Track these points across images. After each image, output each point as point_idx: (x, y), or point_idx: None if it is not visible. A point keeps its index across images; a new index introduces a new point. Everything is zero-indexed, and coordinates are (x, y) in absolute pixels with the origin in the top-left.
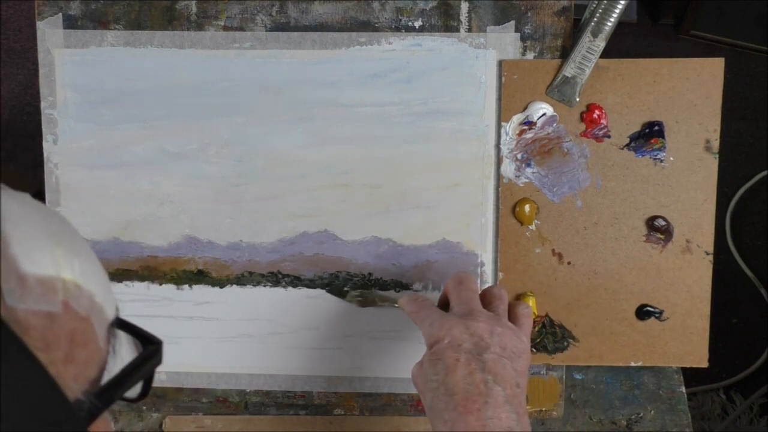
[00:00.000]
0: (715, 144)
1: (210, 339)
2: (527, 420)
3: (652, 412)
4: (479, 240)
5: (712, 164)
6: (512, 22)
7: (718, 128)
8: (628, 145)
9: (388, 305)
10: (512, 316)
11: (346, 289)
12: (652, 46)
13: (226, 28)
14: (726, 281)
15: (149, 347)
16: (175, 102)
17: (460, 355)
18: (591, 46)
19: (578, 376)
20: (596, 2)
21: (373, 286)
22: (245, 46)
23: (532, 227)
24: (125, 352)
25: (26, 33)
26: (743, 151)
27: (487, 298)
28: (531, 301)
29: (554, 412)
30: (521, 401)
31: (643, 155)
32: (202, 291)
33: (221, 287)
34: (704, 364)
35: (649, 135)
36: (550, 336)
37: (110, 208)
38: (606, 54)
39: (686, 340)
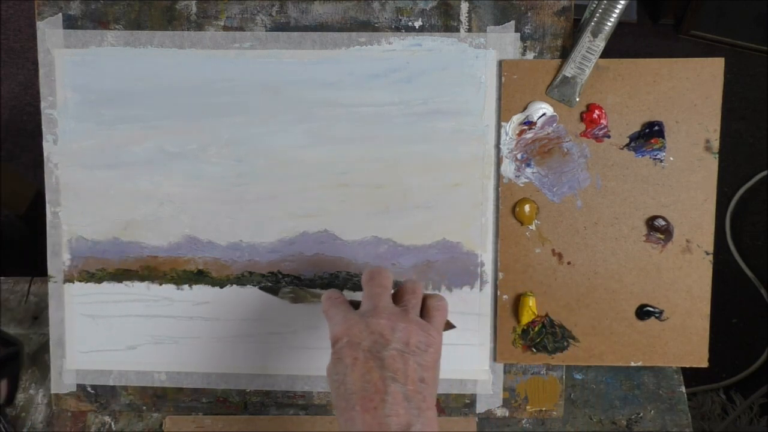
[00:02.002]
0: (715, 144)
1: (210, 339)
2: (433, 414)
3: (652, 412)
4: (479, 240)
5: (712, 164)
6: (512, 22)
7: (718, 128)
8: (628, 145)
9: (318, 302)
10: (424, 310)
11: (277, 285)
12: (652, 46)
13: (226, 28)
14: (726, 281)
15: (11, 349)
16: (175, 102)
17: (359, 354)
18: (591, 46)
19: (578, 376)
20: (596, 2)
21: None
22: (245, 46)
23: (532, 227)
24: None
25: (26, 33)
26: (743, 151)
27: (399, 293)
28: (531, 301)
29: (554, 412)
30: (426, 396)
31: (643, 155)
32: (202, 291)
33: (221, 287)
34: (704, 364)
35: (649, 135)
36: (550, 336)
37: (110, 208)
38: (606, 54)
39: (686, 340)
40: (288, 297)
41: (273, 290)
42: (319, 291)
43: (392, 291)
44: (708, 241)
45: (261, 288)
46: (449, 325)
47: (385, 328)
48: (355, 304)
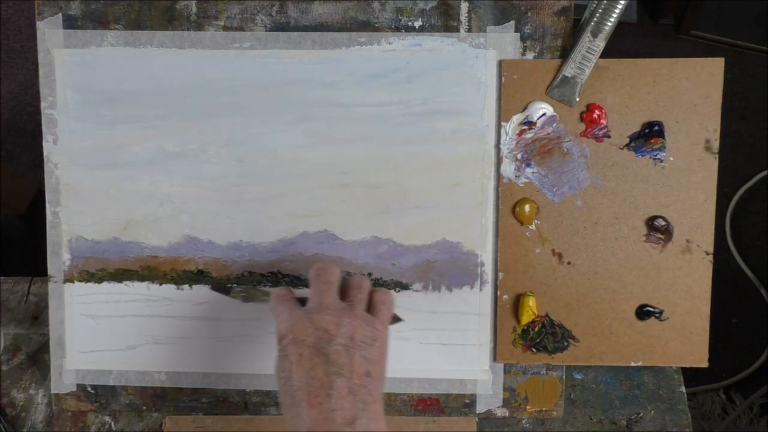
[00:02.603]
0: (715, 144)
1: (210, 339)
2: (379, 408)
3: (652, 412)
4: (479, 240)
5: (712, 164)
6: (512, 22)
7: (718, 128)
8: (628, 145)
9: (269, 300)
10: (370, 304)
11: (229, 285)
12: (652, 46)
13: (226, 28)
14: (726, 281)
15: None
16: (175, 102)
17: (304, 350)
18: (591, 46)
19: (578, 376)
20: (596, 2)
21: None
22: (245, 46)
23: (532, 227)
24: None
25: (26, 33)
26: (743, 151)
27: (346, 289)
28: (531, 301)
29: (554, 412)
30: (371, 390)
31: (643, 155)
32: (202, 291)
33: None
34: (704, 364)
35: (649, 135)
36: (550, 336)
37: (110, 208)
38: (606, 54)
39: (686, 340)
40: (239, 296)
41: (225, 290)
42: (270, 289)
43: (339, 287)
44: (708, 241)
45: (213, 288)
46: (396, 319)
47: (330, 323)
48: (304, 302)
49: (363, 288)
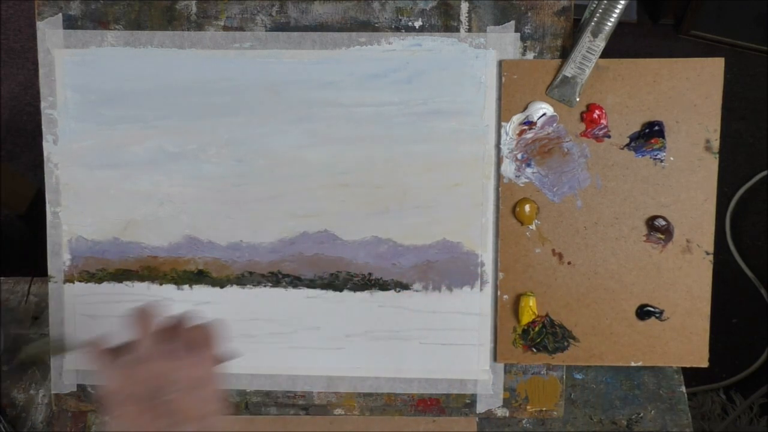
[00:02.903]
0: (715, 144)
1: None
2: None
3: (653, 412)
4: (479, 240)
5: (712, 164)
6: (512, 22)
7: (718, 128)
8: (628, 145)
9: (80, 352)
10: (195, 343)
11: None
12: (652, 46)
13: (226, 28)
14: (726, 281)
15: None
16: (175, 102)
17: (133, 406)
18: (591, 46)
19: (578, 376)
20: (596, 2)
21: (373, 286)
22: (245, 46)
23: (532, 227)
24: None
25: (26, 33)
26: (743, 151)
27: (168, 330)
28: (531, 301)
29: (554, 412)
30: (217, 426)
31: (643, 155)
32: (202, 291)
33: (221, 287)
34: (704, 364)
35: (649, 135)
36: (550, 336)
37: (110, 208)
38: (606, 54)
39: (686, 340)
40: (49, 350)
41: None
42: (80, 341)
43: (162, 328)
44: (708, 241)
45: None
46: (226, 356)
47: (157, 372)
48: (123, 349)
49: (180, 327)
